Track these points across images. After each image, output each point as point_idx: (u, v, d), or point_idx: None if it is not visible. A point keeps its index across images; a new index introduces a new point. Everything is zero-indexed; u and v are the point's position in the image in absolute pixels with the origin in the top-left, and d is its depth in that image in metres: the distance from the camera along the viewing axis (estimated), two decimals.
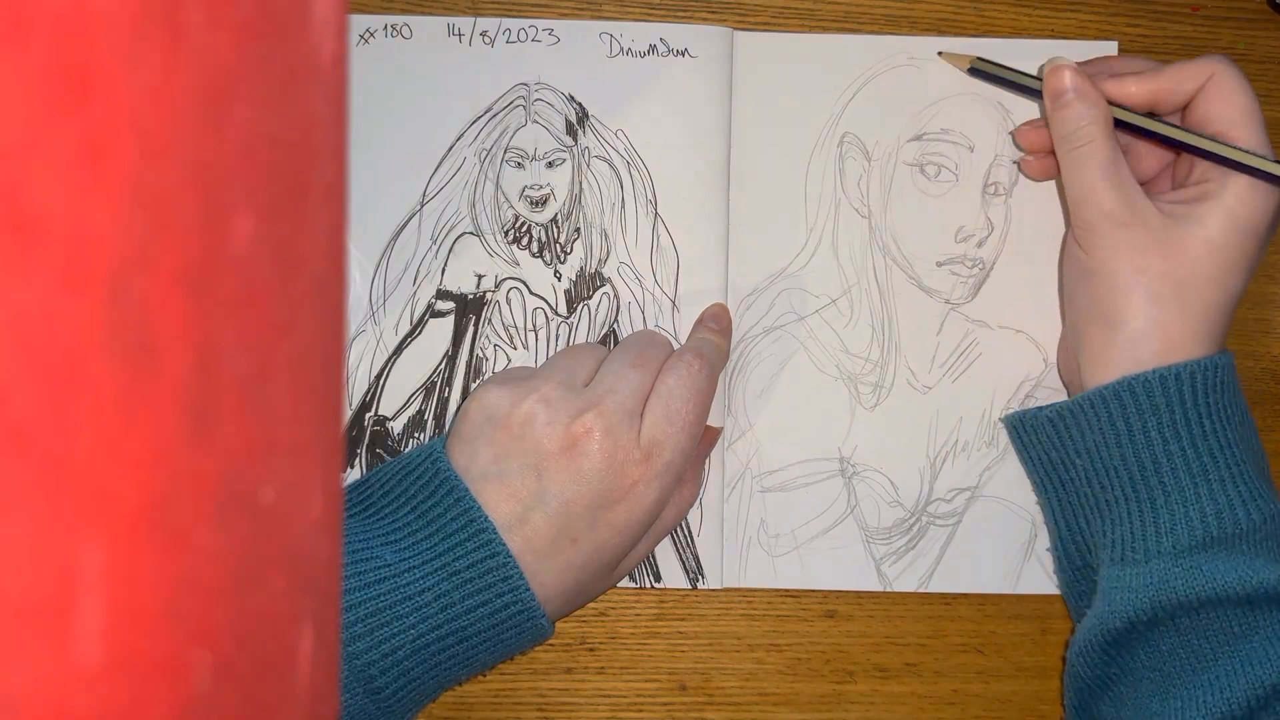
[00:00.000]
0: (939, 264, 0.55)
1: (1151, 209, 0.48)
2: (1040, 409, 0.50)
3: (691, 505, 0.52)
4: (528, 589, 0.45)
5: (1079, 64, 0.50)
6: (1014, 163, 0.54)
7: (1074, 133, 0.48)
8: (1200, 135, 0.48)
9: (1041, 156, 0.53)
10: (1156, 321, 0.47)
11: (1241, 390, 0.49)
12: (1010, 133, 0.54)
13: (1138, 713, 0.46)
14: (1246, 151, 0.47)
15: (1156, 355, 0.47)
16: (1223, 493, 0.46)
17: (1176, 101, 0.49)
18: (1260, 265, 0.55)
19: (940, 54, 0.54)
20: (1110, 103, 0.49)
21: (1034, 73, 0.52)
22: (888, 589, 0.54)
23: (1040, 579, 0.54)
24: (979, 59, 0.53)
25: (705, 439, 0.52)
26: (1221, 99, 0.48)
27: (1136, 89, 0.49)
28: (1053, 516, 0.51)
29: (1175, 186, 0.51)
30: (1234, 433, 0.47)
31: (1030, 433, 0.51)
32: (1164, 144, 0.50)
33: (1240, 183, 0.47)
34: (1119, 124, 0.49)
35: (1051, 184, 0.55)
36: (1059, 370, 0.54)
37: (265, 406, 0.24)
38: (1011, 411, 0.52)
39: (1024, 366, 0.54)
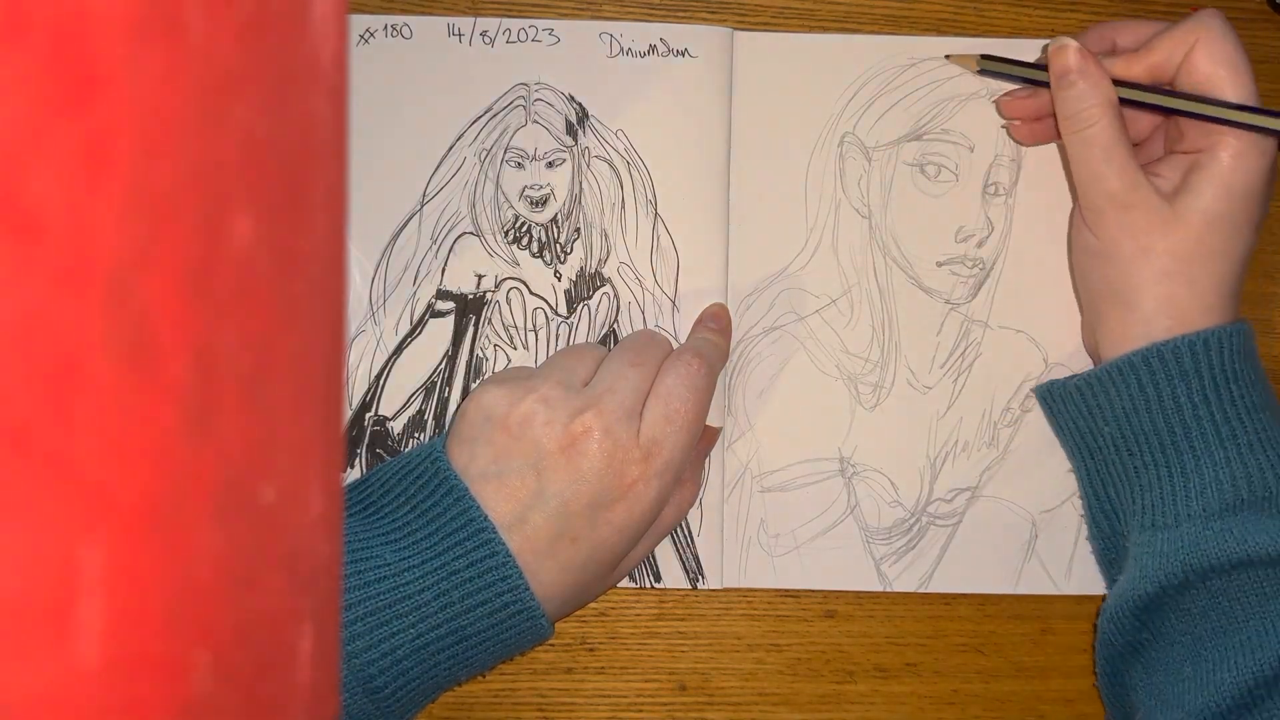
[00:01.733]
0: (939, 264, 0.55)
1: (1150, 189, 0.48)
2: (1069, 378, 0.51)
3: (691, 505, 0.52)
4: (527, 588, 0.45)
5: (1081, 35, 0.51)
6: (1003, 128, 0.54)
7: (1078, 114, 0.49)
8: (1199, 100, 0.48)
9: (1029, 123, 0.53)
10: (1166, 299, 0.48)
11: (1258, 357, 0.49)
12: (994, 101, 0.54)
13: (1169, 676, 0.47)
14: (1242, 108, 0.47)
15: (1169, 330, 0.48)
16: (1251, 456, 0.46)
17: (1174, 68, 0.49)
18: (1260, 265, 0.55)
19: (948, 57, 0.54)
20: (1114, 80, 0.49)
21: (1040, 61, 0.52)
22: (888, 589, 0.54)
23: (1040, 579, 0.54)
24: (985, 57, 0.53)
25: (705, 439, 0.52)
26: (1208, 61, 0.48)
27: (1136, 67, 0.49)
28: (1084, 485, 0.52)
29: (1168, 149, 0.51)
30: (1259, 398, 0.48)
31: (1059, 402, 0.52)
32: (1167, 114, 0.50)
33: (1230, 148, 0.48)
34: (1122, 99, 0.49)
35: (1051, 184, 0.55)
36: (1084, 345, 0.54)
37: (265, 406, 0.24)
38: (1041, 383, 0.53)
39: (1024, 366, 0.54)
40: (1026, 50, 0.55)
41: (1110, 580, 0.52)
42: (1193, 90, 0.48)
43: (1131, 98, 0.49)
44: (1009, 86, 0.54)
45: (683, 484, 0.51)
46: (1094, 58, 0.49)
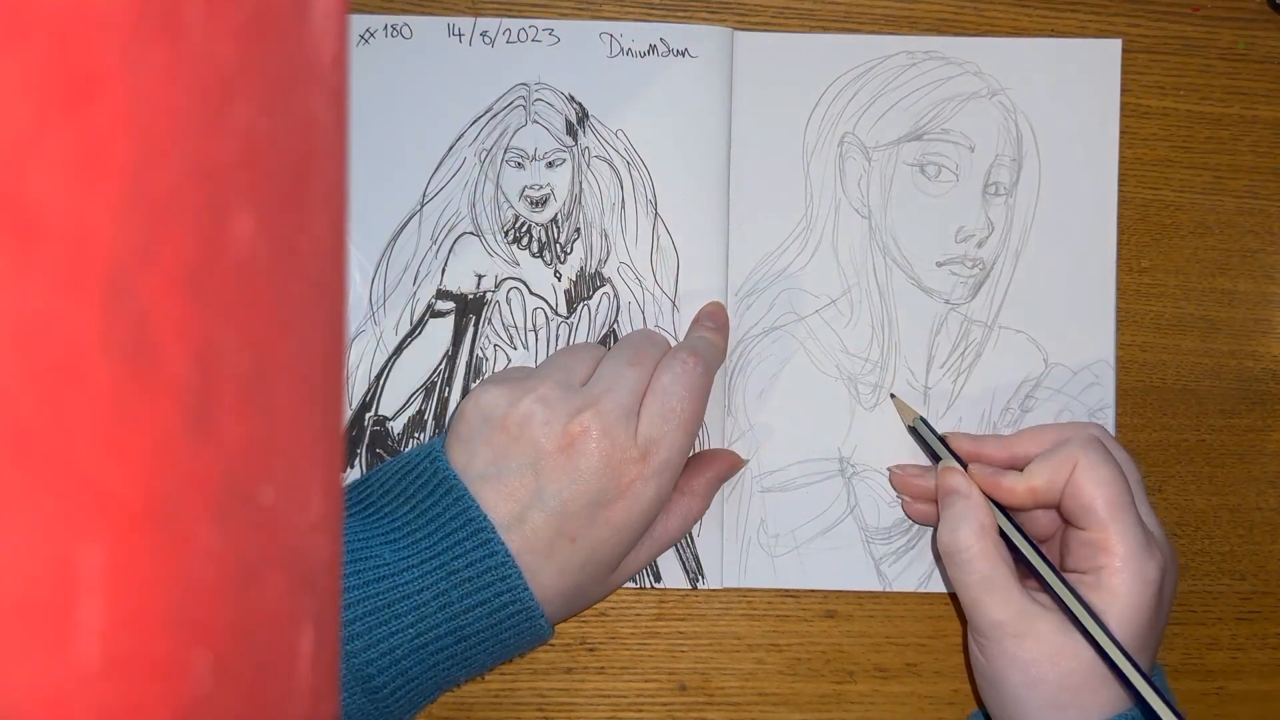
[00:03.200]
0: (939, 264, 0.55)
1: (1040, 616, 0.46)
2: None
3: (696, 521, 0.52)
4: (526, 588, 0.45)
5: (980, 441, 0.51)
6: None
7: (953, 536, 0.48)
8: (1061, 584, 0.46)
9: (917, 502, 0.53)
10: None
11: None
12: (887, 470, 0.53)
13: None
14: (1093, 619, 0.45)
15: None
16: None
17: (1058, 495, 0.48)
18: (1260, 265, 0.55)
19: (892, 396, 0.54)
20: (997, 503, 0.48)
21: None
22: (887, 589, 0.54)
23: None
24: (918, 419, 0.53)
25: (725, 465, 0.52)
26: (1085, 494, 0.46)
27: (1021, 490, 0.48)
28: None
29: (1060, 559, 0.50)
30: None
31: None
32: (1025, 569, 0.48)
33: (1116, 574, 0.45)
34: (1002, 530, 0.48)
35: (1053, 188, 0.55)
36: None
37: (265, 406, 0.24)
38: None
39: (1024, 367, 0.54)
40: (1026, 50, 0.55)
41: None
42: (1075, 516, 0.47)
43: (1007, 533, 0.48)
44: (1003, 92, 0.54)
45: (692, 498, 0.51)
46: (974, 487, 0.48)
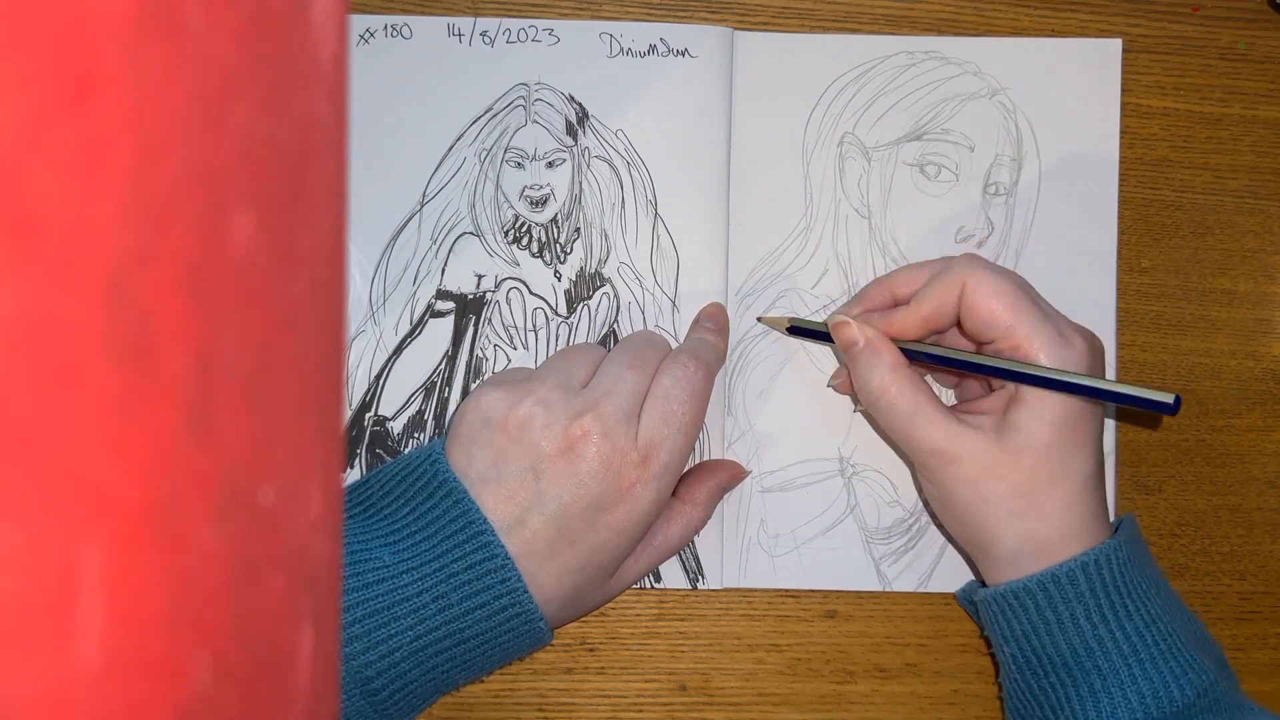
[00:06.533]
0: None
1: (972, 436, 0.46)
2: (969, 588, 0.51)
3: (697, 531, 0.52)
4: (525, 591, 0.45)
5: (859, 296, 0.51)
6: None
7: (868, 385, 0.48)
8: (983, 357, 0.47)
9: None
10: (1023, 537, 0.46)
11: (1149, 552, 0.48)
12: (830, 384, 0.54)
13: None
14: (1025, 365, 0.46)
15: (1035, 563, 0.46)
16: (1155, 671, 0.45)
17: (950, 318, 0.48)
18: (1260, 265, 0.55)
19: (759, 319, 0.54)
20: (895, 340, 0.49)
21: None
22: (887, 589, 0.54)
23: None
24: (794, 320, 0.53)
25: (728, 475, 0.52)
26: (985, 304, 0.46)
27: (911, 324, 0.48)
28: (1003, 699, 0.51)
29: (986, 384, 0.50)
30: (1156, 606, 0.46)
31: (971, 609, 0.52)
32: (952, 367, 0.48)
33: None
34: (910, 355, 0.48)
35: (1053, 187, 0.55)
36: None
37: (265, 406, 0.24)
38: (958, 589, 0.53)
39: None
40: (1026, 50, 0.55)
41: None
42: (978, 331, 0.47)
43: (921, 357, 0.48)
44: (1003, 91, 0.54)
45: (695, 506, 0.51)
46: (873, 328, 0.49)
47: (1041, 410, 0.46)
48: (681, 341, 0.53)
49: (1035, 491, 0.46)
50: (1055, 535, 0.46)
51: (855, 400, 0.54)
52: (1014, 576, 0.47)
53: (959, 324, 0.48)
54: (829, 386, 0.54)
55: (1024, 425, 0.46)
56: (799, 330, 0.53)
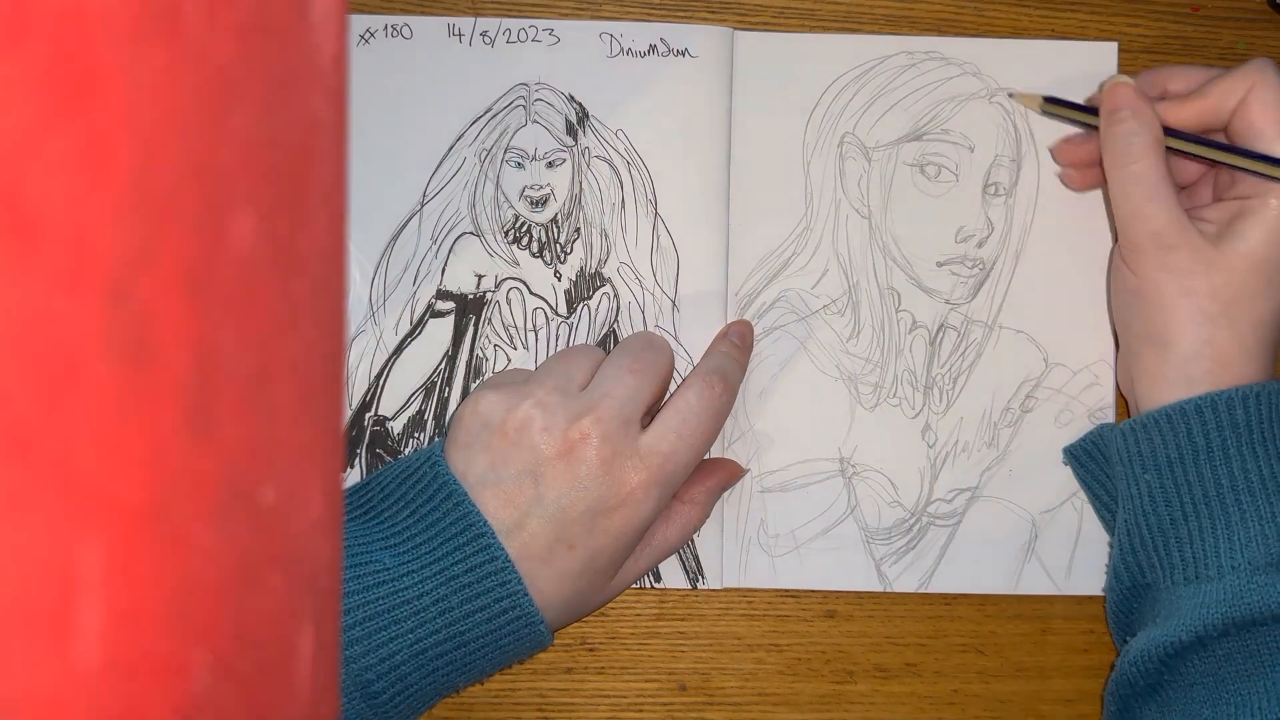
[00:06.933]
0: (939, 264, 0.55)
1: (1195, 230, 0.48)
2: (1107, 426, 0.51)
3: (696, 530, 0.52)
4: (525, 594, 0.45)
5: (1135, 78, 0.51)
6: (1056, 175, 0.54)
7: (1126, 150, 0.48)
8: (1245, 153, 0.48)
9: (1082, 169, 0.53)
10: (1206, 340, 0.47)
11: None
12: (1049, 148, 0.54)
13: (1185, 718, 0.46)
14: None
15: (1208, 374, 0.47)
16: None
17: (1223, 117, 0.49)
18: None
19: (1011, 95, 0.54)
20: (1164, 126, 0.49)
21: (1094, 102, 0.52)
22: (888, 589, 0.54)
23: (1040, 580, 0.54)
24: (1049, 99, 0.53)
25: (727, 474, 0.52)
26: (1261, 111, 0.48)
27: (1187, 112, 0.49)
28: (1114, 536, 0.51)
29: (1216, 196, 0.51)
30: None
31: (1094, 449, 0.51)
32: (1214, 164, 0.50)
33: None
34: (1169, 147, 0.49)
35: (1052, 188, 0.55)
36: (1119, 384, 0.53)
37: (265, 406, 0.24)
38: (1074, 441, 0.53)
39: (1024, 367, 0.54)
40: (1026, 51, 0.55)
41: (1119, 630, 0.51)
42: (1245, 138, 0.48)
43: (1179, 146, 0.49)
44: (1002, 92, 0.54)
45: (693, 505, 0.51)
46: (1146, 99, 0.49)
47: (1270, 226, 0.47)
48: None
49: (1236, 300, 0.47)
50: (1238, 348, 0.47)
51: (1061, 165, 0.54)
52: (1178, 384, 0.47)
53: (1227, 125, 0.49)
54: (1048, 149, 0.54)
55: (1248, 234, 0.47)
56: (1054, 103, 0.53)
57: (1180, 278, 0.47)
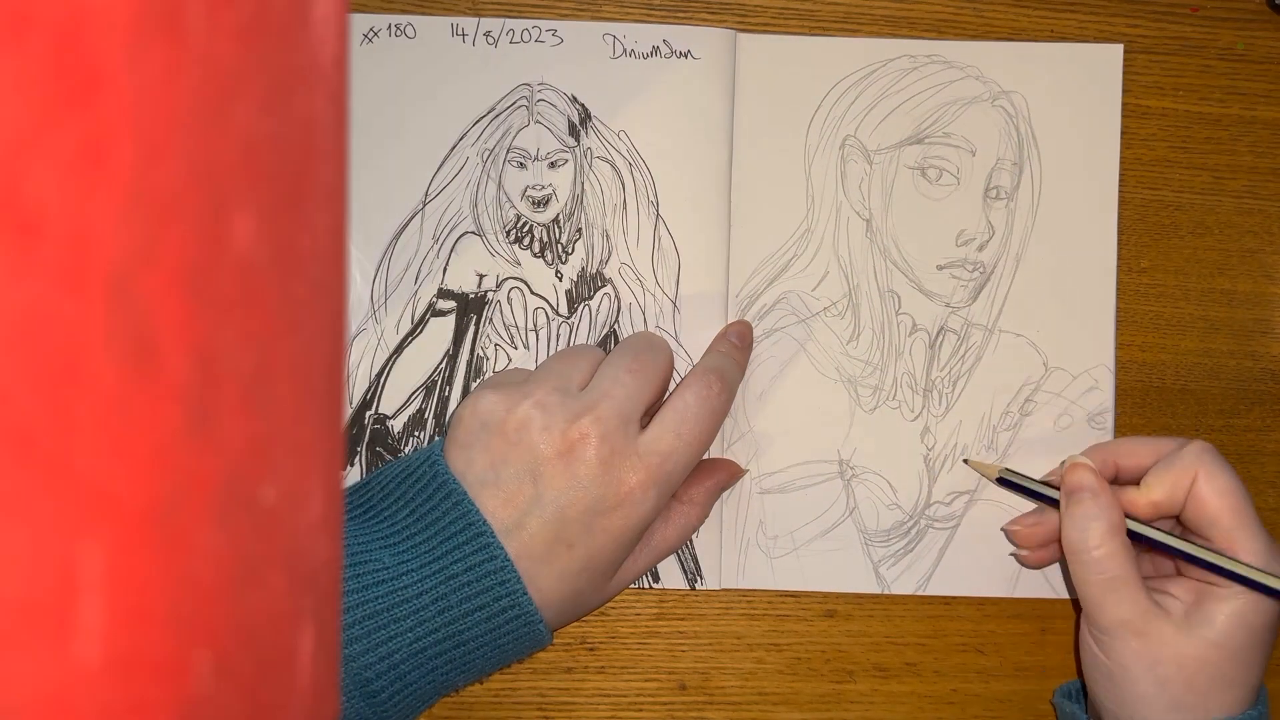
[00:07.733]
0: (940, 267, 0.55)
1: (1164, 620, 0.47)
2: (1069, 697, 0.51)
3: (695, 530, 0.52)
4: (525, 593, 0.45)
5: (1087, 453, 0.50)
6: (1010, 555, 0.54)
7: (1084, 536, 0.48)
8: (1207, 550, 0.47)
9: (1037, 549, 0.52)
10: None
11: None
12: (1003, 529, 0.53)
13: None
14: (1250, 567, 0.46)
15: None
16: None
17: (1178, 507, 0.48)
18: (1259, 265, 0.55)
19: (966, 461, 0.54)
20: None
21: (1052, 479, 0.52)
22: (886, 592, 0.54)
23: (1039, 583, 0.54)
24: (1005, 470, 0.52)
25: (726, 474, 0.52)
26: (1215, 499, 0.47)
27: (1140, 508, 0.48)
28: None
29: (1180, 569, 0.50)
30: None
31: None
32: (1176, 557, 0.48)
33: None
34: (1131, 534, 0.48)
35: (1054, 192, 0.55)
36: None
37: (266, 406, 0.24)
38: None
39: (1024, 370, 0.54)
40: (1026, 52, 0.55)
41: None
42: (1199, 525, 0.47)
43: (1143, 534, 0.48)
44: (1005, 97, 0.54)
45: (692, 505, 0.51)
46: (1106, 484, 0.48)
47: (1243, 612, 0.46)
48: (704, 352, 0.53)
49: (1211, 690, 0.46)
50: None
51: (1018, 549, 0.53)
52: None
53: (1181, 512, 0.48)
54: (1002, 530, 0.53)
55: (1220, 623, 0.46)
56: (1008, 483, 0.52)
57: (1152, 668, 0.46)
